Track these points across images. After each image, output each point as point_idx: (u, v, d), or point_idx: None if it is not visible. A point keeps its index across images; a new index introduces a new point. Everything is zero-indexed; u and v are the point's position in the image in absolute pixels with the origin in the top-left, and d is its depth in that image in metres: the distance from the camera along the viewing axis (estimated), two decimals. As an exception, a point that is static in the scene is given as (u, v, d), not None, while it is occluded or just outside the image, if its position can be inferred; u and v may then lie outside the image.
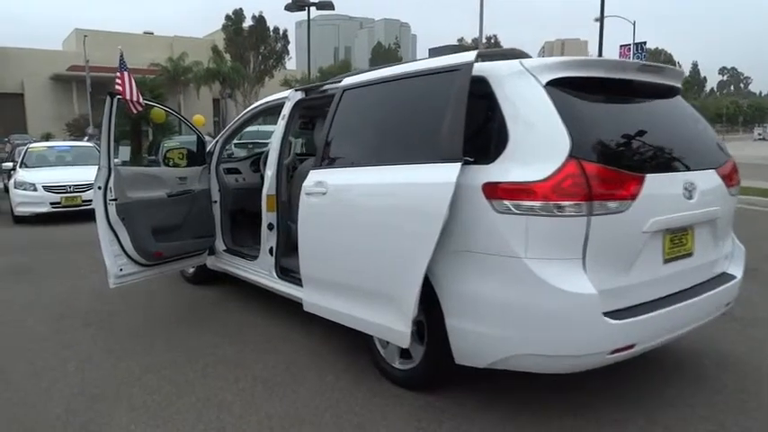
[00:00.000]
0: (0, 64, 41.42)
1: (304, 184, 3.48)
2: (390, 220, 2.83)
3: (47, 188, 9.48)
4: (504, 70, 2.73)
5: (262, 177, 5.14)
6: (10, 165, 10.75)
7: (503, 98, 2.65)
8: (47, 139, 19.38)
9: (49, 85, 43.92)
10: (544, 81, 2.59)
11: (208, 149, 5.00)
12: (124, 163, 9.92)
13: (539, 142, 2.51)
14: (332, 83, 3.92)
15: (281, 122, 4.17)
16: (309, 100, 4.12)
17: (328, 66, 62.35)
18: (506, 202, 2.48)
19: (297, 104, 4.14)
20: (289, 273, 4.15)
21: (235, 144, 16.31)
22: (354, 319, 3.16)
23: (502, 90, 2.66)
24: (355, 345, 3.58)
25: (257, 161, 5.31)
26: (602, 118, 2.72)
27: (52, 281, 5.70)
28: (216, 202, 4.94)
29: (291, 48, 49.43)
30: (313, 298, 3.49)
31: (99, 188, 4.03)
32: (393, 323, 2.84)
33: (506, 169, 2.53)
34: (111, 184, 4.02)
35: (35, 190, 9.42)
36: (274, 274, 4.20)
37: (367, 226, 2.98)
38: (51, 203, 9.45)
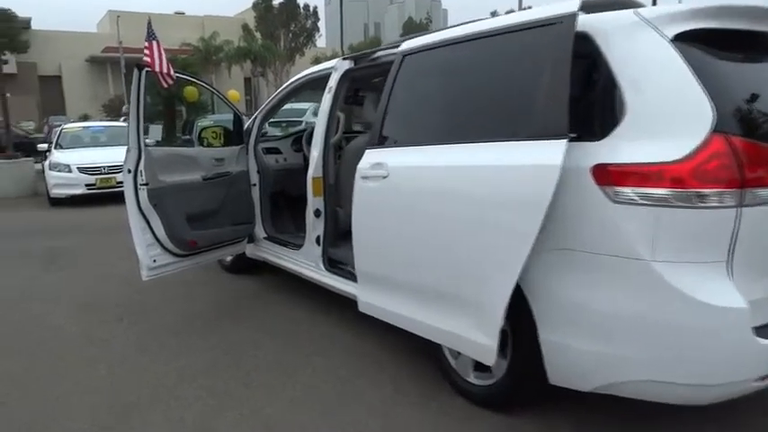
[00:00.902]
0: (38, 48, 41.68)
1: (359, 166, 2.99)
2: (473, 212, 2.31)
3: (81, 169, 9.19)
4: (615, 23, 2.15)
5: (304, 157, 4.68)
6: (45, 146, 10.51)
7: (615, 58, 2.08)
8: (84, 121, 19.35)
9: (85, 68, 44.14)
10: (670, 35, 2.02)
11: (245, 128, 4.54)
12: (157, 143, 9.53)
13: (669, 113, 1.95)
14: (386, 48, 3.39)
15: (328, 96, 3.67)
16: (359, 70, 3.60)
17: (358, 42, 61.39)
18: (626, 190, 1.94)
19: (345, 75, 3.62)
20: (338, 265, 3.69)
21: (268, 123, 15.97)
22: (420, 325, 2.67)
23: (613, 48, 2.10)
24: (418, 349, 3.11)
25: (299, 140, 4.82)
26: (745, 81, 2.13)
27: (83, 268, 5.35)
28: (254, 185, 4.48)
29: (321, 25, 48.70)
30: (369, 297, 3.02)
31: (129, 171, 3.60)
32: (472, 333, 2.34)
33: (623, 147, 1.98)
34: (141, 166, 3.59)
35: (70, 171, 9.14)
36: (321, 265, 3.74)
37: (441, 217, 2.46)
38: (86, 185, 9.17)
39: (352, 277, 3.47)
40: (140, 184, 3.60)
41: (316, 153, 3.69)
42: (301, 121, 14.86)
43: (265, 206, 4.54)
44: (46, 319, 4.00)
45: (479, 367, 2.62)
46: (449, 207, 2.42)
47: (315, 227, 3.76)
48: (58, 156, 9.60)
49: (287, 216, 4.78)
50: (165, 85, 3.73)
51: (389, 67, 3.16)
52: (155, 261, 3.72)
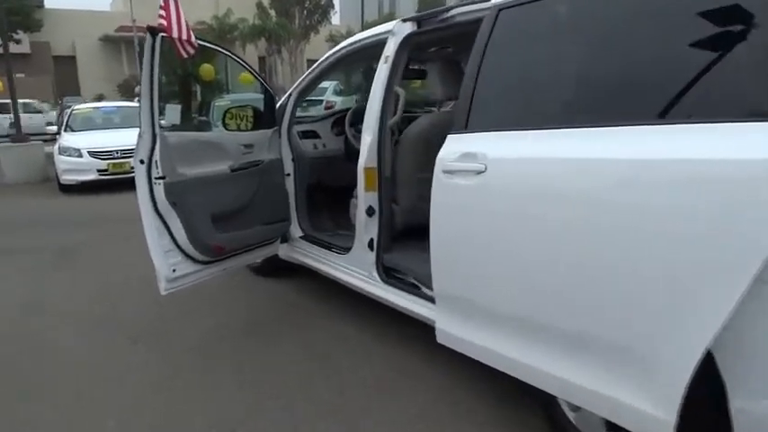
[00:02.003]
0: (52, 27, 41.03)
1: (440, 156, 2.27)
2: (649, 226, 1.57)
3: (92, 154, 8.51)
4: None
5: (347, 142, 3.95)
6: (54, 128, 9.85)
7: None
8: (99, 101, 18.69)
9: (98, 47, 43.46)
10: None
11: (278, 106, 3.83)
12: (174, 127, 8.82)
13: None
14: (464, 4, 2.64)
15: (384, 67, 2.93)
16: (424, 33, 2.85)
17: (373, 20, 60.05)
18: None
19: (405, 41, 2.88)
20: (396, 275, 3.00)
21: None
22: (537, 375, 1.96)
23: None
24: (512, 391, 2.42)
25: (340, 121, 4.08)
26: None
27: (95, 269, 4.70)
28: (288, 174, 3.78)
29: (336, 1, 47.45)
30: (455, 327, 2.31)
31: (141, 162, 2.91)
32: (631, 398, 1.64)
33: None
34: (156, 156, 2.90)
35: (80, 156, 8.47)
36: (376, 275, 3.04)
37: (585, 233, 1.73)
38: (98, 170, 8.49)
39: (416, 292, 2.79)
40: (155, 178, 2.91)
41: (369, 138, 2.97)
42: (321, 101, 14.10)
43: (301, 200, 3.84)
44: (47, 341, 3.33)
45: (614, 427, 1.92)
46: (601, 218, 1.68)
47: (367, 228, 3.05)
48: (67, 139, 8.93)
49: (326, 212, 4.08)
50: (185, 55, 3.00)
51: (469, 28, 2.43)
52: (174, 271, 3.04)
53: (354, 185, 3.18)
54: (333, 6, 46.13)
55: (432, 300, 2.64)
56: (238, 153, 3.38)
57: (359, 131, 3.82)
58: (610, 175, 1.68)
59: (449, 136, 2.30)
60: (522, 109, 2.09)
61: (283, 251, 3.86)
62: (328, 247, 3.51)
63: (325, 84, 13.88)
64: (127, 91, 32.43)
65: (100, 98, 30.10)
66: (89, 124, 9.82)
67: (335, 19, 52.54)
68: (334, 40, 34.08)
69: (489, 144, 2.08)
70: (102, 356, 3.09)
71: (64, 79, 40.22)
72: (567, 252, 1.77)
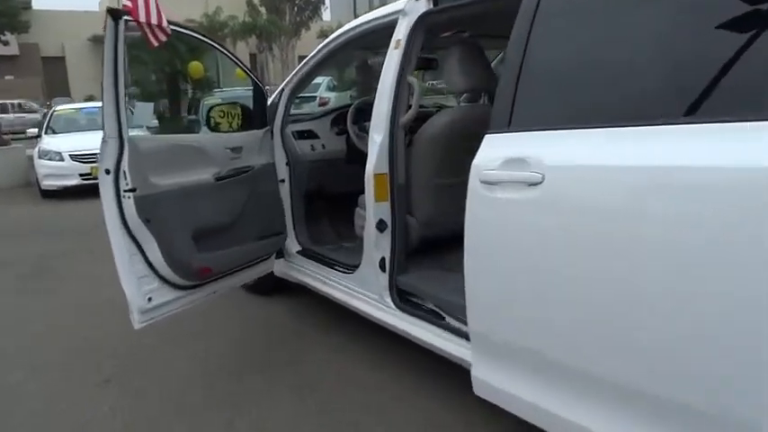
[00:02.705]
0: (40, 28, 40.17)
1: (477, 162, 1.78)
2: None
3: (74, 157, 7.94)
4: None
5: (349, 142, 3.45)
6: (35, 131, 9.28)
7: None
8: (89, 102, 18.02)
9: (88, 47, 42.57)
10: None
11: (269, 104, 3.33)
12: (160, 129, 8.23)
13: None
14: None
15: (395, 54, 2.44)
16: (442, 12, 2.35)
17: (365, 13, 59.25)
18: None
19: (420, 22, 2.39)
20: (413, 300, 2.52)
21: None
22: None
23: None
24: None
25: (340, 118, 3.58)
26: None
27: (70, 288, 4.18)
28: (283, 181, 3.28)
29: (327, -2, 46.77)
30: (499, 378, 1.82)
31: (107, 172, 2.41)
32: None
33: None
34: (125, 164, 2.39)
35: (61, 160, 7.90)
36: (389, 300, 2.56)
37: (688, 263, 1.25)
38: (81, 175, 7.93)
39: (439, 322, 2.31)
40: (124, 191, 2.40)
41: (378, 139, 2.47)
42: (315, 97, 13.55)
43: (298, 210, 3.33)
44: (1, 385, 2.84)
45: None
46: (720, 251, 1.20)
47: (378, 245, 2.56)
48: (48, 142, 8.36)
49: (327, 222, 3.58)
50: (156, 43, 2.48)
51: (499, 5, 1.95)
52: (150, 300, 2.54)
53: (359, 191, 2.69)
54: (323, 2, 45.52)
55: (461, 334, 2.16)
56: (224, 158, 2.87)
57: (363, 130, 3.32)
58: (732, 191, 1.20)
59: (486, 136, 1.81)
60: (591, 99, 1.58)
61: (279, 268, 3.36)
62: (331, 264, 3.02)
63: (318, 79, 13.35)
64: (117, 91, 31.58)
65: (90, 99, 29.39)
66: (71, 126, 9.23)
67: (326, 15, 51.88)
68: (325, 36, 33.39)
69: (545, 146, 1.59)
70: (64, 403, 2.58)
71: (54, 80, 39.38)
72: (672, 294, 1.29)
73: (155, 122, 9.40)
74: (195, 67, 12.41)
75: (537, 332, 1.65)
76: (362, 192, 2.61)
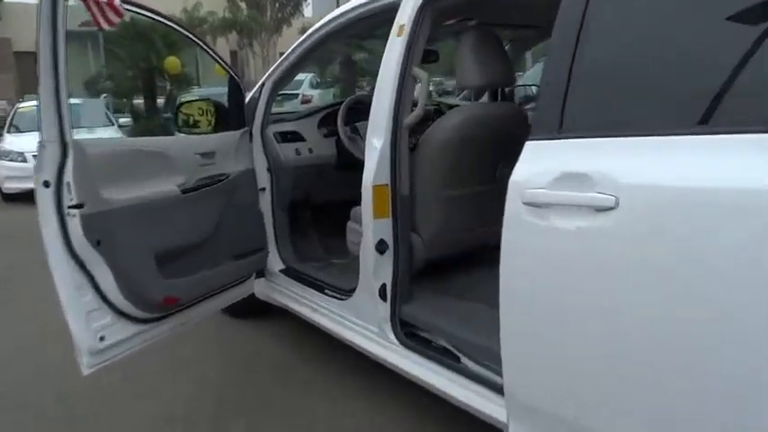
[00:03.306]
0: (13, 22, 38.92)
1: (518, 178, 1.37)
2: None
3: (39, 158, 7.37)
4: None
5: (340, 145, 3.02)
6: (-1, 130, 8.67)
7: None
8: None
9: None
10: None
11: (247, 101, 2.88)
12: (145, 130, 7.65)
13: None
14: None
15: (398, 41, 2.02)
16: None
17: (346, 13, 58.51)
18: None
19: (428, 3, 1.97)
20: (420, 334, 2.11)
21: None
22: None
23: None
24: None
25: (330, 118, 3.12)
26: None
27: (17, 309, 3.68)
28: (264, 189, 2.83)
29: (308, -6, 46.09)
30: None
31: (45, 184, 1.95)
32: None
33: None
34: (68, 175, 1.94)
35: (24, 161, 7.28)
36: (391, 335, 2.14)
37: None
38: (46, 176, 7.37)
39: (454, 365, 1.91)
40: (68, 207, 1.95)
41: (378, 143, 2.05)
42: (297, 94, 13.03)
43: (281, 222, 2.89)
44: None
45: None
46: None
47: (377, 270, 2.13)
48: (10, 141, 7.73)
49: (315, 236, 3.14)
50: (105, 24, 2.03)
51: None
52: (103, 339, 2.08)
53: (351, 201, 2.29)
54: (305, -2, 44.89)
55: (484, 382, 1.76)
56: (193, 165, 2.42)
57: (355, 132, 2.90)
58: None
59: (528, 144, 1.39)
60: (690, 93, 1.17)
61: (260, 289, 2.92)
62: (320, 287, 2.59)
63: (300, 76, 12.86)
64: (94, 88, 30.74)
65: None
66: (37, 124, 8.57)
67: (308, 11, 51.22)
68: (306, 31, 32.86)
69: (617, 158, 1.18)
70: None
71: (27, 76, 38.10)
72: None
73: (127, 120, 8.83)
74: (172, 62, 11.81)
75: (613, 402, 1.24)
76: (355, 202, 2.19)
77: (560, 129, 1.32)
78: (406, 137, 2.09)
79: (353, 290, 2.32)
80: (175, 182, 2.30)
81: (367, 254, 2.14)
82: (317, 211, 3.13)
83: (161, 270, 2.18)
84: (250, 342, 3.02)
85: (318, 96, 13.16)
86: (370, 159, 2.07)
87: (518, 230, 1.37)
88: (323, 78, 15.04)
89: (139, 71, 12.92)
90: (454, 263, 2.44)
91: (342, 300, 2.41)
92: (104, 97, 14.71)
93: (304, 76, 13.41)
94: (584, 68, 1.29)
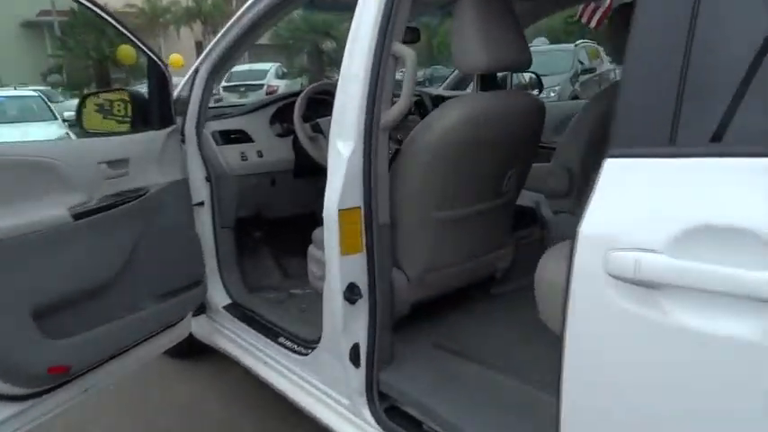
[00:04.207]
0: None
1: (591, 230, 0.75)
2: None
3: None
4: None
5: (297, 146, 2.37)
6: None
7: None
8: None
9: (20, 33, 39.47)
10: None
11: (176, 94, 2.23)
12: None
13: None
14: None
15: (371, 6, 1.41)
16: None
17: (314, 3, 57.36)
18: None
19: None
20: (403, 410, 1.52)
21: (224, 88, 13.10)
22: None
23: None
24: None
25: (284, 112, 2.42)
26: None
27: None
28: (202, 204, 2.19)
29: (275, -16, 44.83)
30: None
31: None
32: None
33: None
34: None
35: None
36: (364, 410, 1.53)
37: None
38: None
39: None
40: None
41: (346, 150, 1.44)
42: (262, 85, 12.25)
43: (226, 245, 2.25)
44: None
45: None
46: None
47: (347, 325, 1.52)
48: None
49: (268, 259, 2.51)
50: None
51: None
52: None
53: (314, 215, 1.69)
54: (272, -12, 43.69)
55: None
56: (97, 179, 1.76)
57: (318, 130, 2.26)
58: None
59: (609, 164, 0.80)
60: None
61: (199, 328, 2.29)
62: (273, 333, 1.97)
63: (265, 65, 12.09)
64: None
65: (20, 88, 26.89)
66: None
67: (275, 2, 49.81)
68: (275, 24, 31.78)
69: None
70: None
71: (-18, 68, 36.21)
72: None
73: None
74: (125, 51, 10.88)
75: None
76: (318, 218, 1.59)
77: (673, 136, 0.72)
78: (386, 141, 1.48)
79: (317, 341, 1.71)
80: (67, 203, 1.64)
81: (332, 303, 1.53)
82: (271, 229, 2.49)
83: (44, 329, 1.54)
84: (188, 395, 2.39)
85: (285, 87, 12.40)
86: (336, 172, 1.46)
87: (599, 321, 0.77)
88: (290, 68, 14.26)
89: (91, 61, 11.94)
90: (444, 301, 1.87)
91: (301, 355, 1.79)
92: (50, 88, 13.43)
93: (269, 66, 12.62)
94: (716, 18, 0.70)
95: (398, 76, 1.52)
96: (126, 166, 1.85)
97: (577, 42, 10.47)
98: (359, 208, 1.46)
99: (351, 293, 1.49)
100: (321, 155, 2.17)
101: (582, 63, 9.58)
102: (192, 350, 2.51)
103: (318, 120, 2.21)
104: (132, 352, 1.90)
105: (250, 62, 15.92)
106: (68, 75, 12.81)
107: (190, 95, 2.18)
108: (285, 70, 13.81)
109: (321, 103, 2.30)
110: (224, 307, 2.21)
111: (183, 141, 2.17)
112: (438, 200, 1.60)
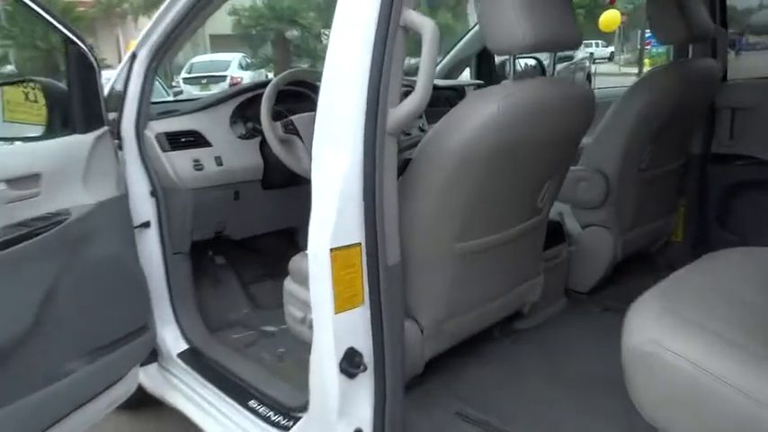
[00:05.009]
0: None
1: None
2: None
3: None
4: None
5: (266, 152, 1.89)
6: None
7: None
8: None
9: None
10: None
11: (109, 87, 1.74)
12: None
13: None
14: None
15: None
16: None
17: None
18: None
19: None
20: None
21: (184, 80, 12.34)
22: None
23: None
24: None
25: (248, 108, 1.90)
26: None
27: None
28: (147, 225, 1.72)
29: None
30: None
31: None
32: None
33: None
34: None
35: None
36: None
37: None
38: None
39: None
40: None
41: (339, 162, 0.99)
42: (225, 77, 11.58)
43: (180, 276, 1.77)
44: None
45: None
46: None
47: (345, 404, 1.09)
48: None
49: (234, 289, 2.03)
50: None
51: None
52: None
53: (289, 233, 1.26)
54: (233, -24, 42.59)
55: None
56: (-9, 204, 1.28)
57: (292, 129, 1.79)
58: None
59: None
60: None
61: (150, 380, 1.82)
62: (241, 395, 1.52)
63: (227, 56, 11.45)
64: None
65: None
66: None
67: (237, -10, 48.67)
68: (237, 13, 30.66)
69: None
70: None
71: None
72: None
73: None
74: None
75: None
76: (294, 236, 1.14)
77: None
78: (394, 148, 1.05)
79: (303, 408, 1.27)
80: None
81: (323, 374, 1.09)
82: (237, 252, 2.02)
83: None
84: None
85: (250, 79, 11.78)
86: (324, 195, 1.02)
87: None
88: (255, 58, 13.59)
89: (37, 53, 11.09)
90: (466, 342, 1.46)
91: (281, 429, 1.35)
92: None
93: (232, 56, 11.95)
94: None
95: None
96: (36, 185, 1.37)
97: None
98: (359, 245, 1.02)
99: (350, 364, 1.05)
100: (297, 162, 1.72)
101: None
102: (147, 402, 2.03)
103: (292, 117, 1.75)
104: (56, 428, 1.43)
105: (212, 52, 15.19)
106: (17, 66, 11.92)
107: (126, 88, 1.70)
108: (249, 61, 13.15)
109: (295, 97, 1.84)
110: (179, 354, 1.75)
111: (120, 147, 1.70)
112: (462, 226, 1.18)
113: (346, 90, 1.01)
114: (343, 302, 1.02)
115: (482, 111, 1.08)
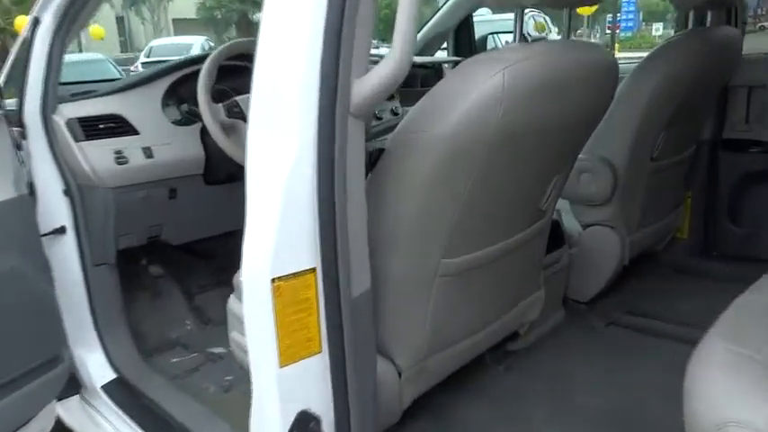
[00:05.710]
0: None
1: None
2: None
3: None
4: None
5: (207, 141, 1.56)
6: None
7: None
8: None
9: None
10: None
11: (10, 61, 1.40)
12: None
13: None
14: None
15: None
16: None
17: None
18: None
19: None
20: None
21: (142, 64, 11.70)
22: None
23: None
24: None
25: (184, 87, 1.54)
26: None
27: None
28: (62, 231, 1.39)
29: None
30: None
31: None
32: None
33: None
34: None
35: None
36: None
37: None
38: None
39: None
40: None
41: (283, 155, 0.69)
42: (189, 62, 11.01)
43: (104, 291, 1.45)
44: None
45: None
46: None
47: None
48: None
49: (174, 305, 1.72)
50: None
51: None
52: None
53: (237, 235, 0.94)
54: (198, -42, 41.26)
55: None
56: None
57: (237, 113, 1.47)
58: None
59: None
60: None
61: (70, 415, 1.51)
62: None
63: (189, 39, 10.90)
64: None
65: None
66: None
67: (202, -27, 47.31)
68: (204, 2, 29.52)
69: None
70: None
71: None
72: None
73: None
74: (23, 22, 9.51)
75: None
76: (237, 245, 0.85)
77: None
78: (361, 134, 0.75)
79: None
80: None
81: (268, 443, 0.80)
82: (177, 259, 1.70)
83: None
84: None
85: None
86: (258, 201, 0.72)
87: None
88: (218, 42, 13.04)
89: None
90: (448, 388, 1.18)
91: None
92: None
93: (194, 40, 11.41)
94: None
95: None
96: None
97: (525, 13, 10.00)
98: (313, 271, 0.72)
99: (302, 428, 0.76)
100: (243, 152, 1.41)
101: (529, 35, 9.08)
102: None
103: (237, 98, 1.43)
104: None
105: (174, 35, 14.53)
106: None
107: (27, 62, 1.35)
108: (213, 44, 12.60)
109: (241, 73, 1.51)
110: (103, 386, 1.43)
111: (23, 136, 1.37)
112: (450, 237, 0.89)
113: (292, 53, 0.71)
114: (291, 352, 0.73)
115: (482, 84, 0.79)
